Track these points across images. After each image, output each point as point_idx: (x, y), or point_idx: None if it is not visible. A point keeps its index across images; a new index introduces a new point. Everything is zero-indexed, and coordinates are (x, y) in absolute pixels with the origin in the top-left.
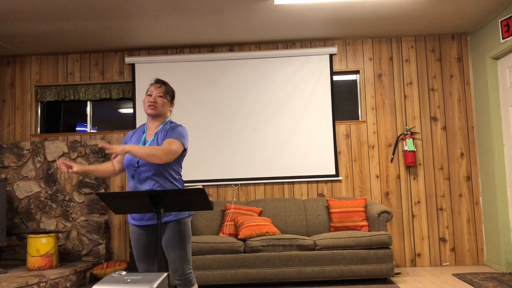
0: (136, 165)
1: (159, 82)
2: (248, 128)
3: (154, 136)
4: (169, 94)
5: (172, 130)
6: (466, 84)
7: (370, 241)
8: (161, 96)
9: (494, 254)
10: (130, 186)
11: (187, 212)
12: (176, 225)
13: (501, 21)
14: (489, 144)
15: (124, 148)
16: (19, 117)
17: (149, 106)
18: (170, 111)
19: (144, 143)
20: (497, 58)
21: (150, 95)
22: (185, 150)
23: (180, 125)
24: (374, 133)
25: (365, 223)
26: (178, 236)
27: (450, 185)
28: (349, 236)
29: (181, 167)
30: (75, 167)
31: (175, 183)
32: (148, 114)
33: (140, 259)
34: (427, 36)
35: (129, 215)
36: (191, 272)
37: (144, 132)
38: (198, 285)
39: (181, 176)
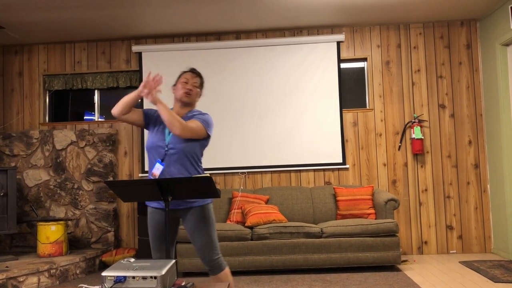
0: (166, 148)
1: (196, 73)
2: (255, 116)
3: None
4: (202, 86)
5: (198, 115)
6: (475, 71)
7: (377, 228)
8: (196, 86)
9: (502, 241)
10: (150, 167)
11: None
12: (199, 211)
13: (511, 7)
14: (497, 131)
15: (158, 99)
16: (27, 106)
17: (186, 93)
18: (196, 101)
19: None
20: (506, 44)
21: (186, 82)
22: (208, 137)
23: (207, 114)
24: (382, 121)
25: (372, 211)
26: (202, 222)
27: (457, 173)
28: (356, 224)
29: (202, 155)
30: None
31: (198, 169)
32: (181, 101)
33: (156, 246)
34: (435, 22)
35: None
36: (219, 257)
37: None
38: (202, 272)
39: (201, 163)
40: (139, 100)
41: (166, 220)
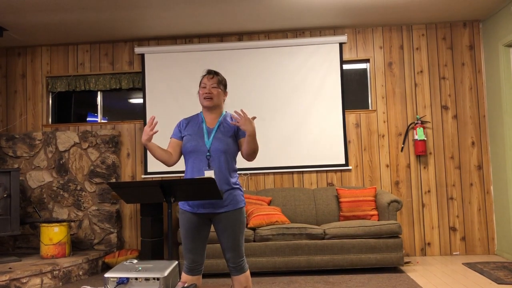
0: (208, 153)
1: (211, 73)
2: (258, 118)
3: (219, 126)
4: (222, 83)
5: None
6: (477, 72)
7: (380, 230)
8: (215, 87)
9: (505, 243)
10: (192, 171)
11: (243, 201)
12: (234, 214)
13: None
14: (500, 132)
15: (253, 125)
16: (30, 107)
17: (205, 98)
18: (224, 100)
19: (209, 132)
20: (509, 45)
21: (205, 87)
22: None
23: None
24: (384, 122)
25: (375, 212)
26: (235, 225)
27: (460, 174)
28: (358, 225)
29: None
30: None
31: (234, 167)
32: (205, 106)
33: (188, 248)
34: (438, 24)
35: (183, 202)
36: (243, 259)
37: (202, 122)
38: (207, 273)
39: (236, 163)
40: (152, 136)
41: (169, 219)
